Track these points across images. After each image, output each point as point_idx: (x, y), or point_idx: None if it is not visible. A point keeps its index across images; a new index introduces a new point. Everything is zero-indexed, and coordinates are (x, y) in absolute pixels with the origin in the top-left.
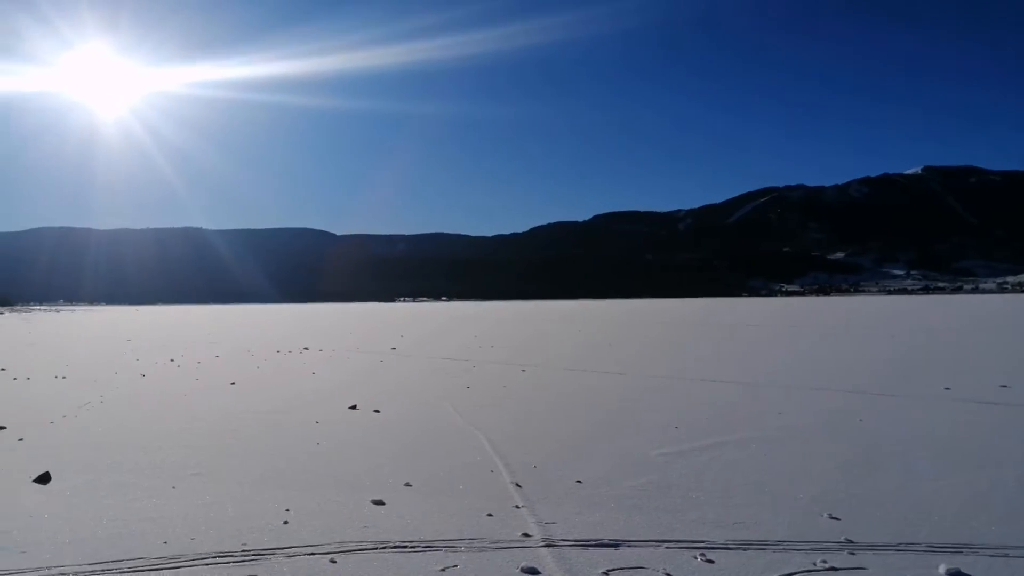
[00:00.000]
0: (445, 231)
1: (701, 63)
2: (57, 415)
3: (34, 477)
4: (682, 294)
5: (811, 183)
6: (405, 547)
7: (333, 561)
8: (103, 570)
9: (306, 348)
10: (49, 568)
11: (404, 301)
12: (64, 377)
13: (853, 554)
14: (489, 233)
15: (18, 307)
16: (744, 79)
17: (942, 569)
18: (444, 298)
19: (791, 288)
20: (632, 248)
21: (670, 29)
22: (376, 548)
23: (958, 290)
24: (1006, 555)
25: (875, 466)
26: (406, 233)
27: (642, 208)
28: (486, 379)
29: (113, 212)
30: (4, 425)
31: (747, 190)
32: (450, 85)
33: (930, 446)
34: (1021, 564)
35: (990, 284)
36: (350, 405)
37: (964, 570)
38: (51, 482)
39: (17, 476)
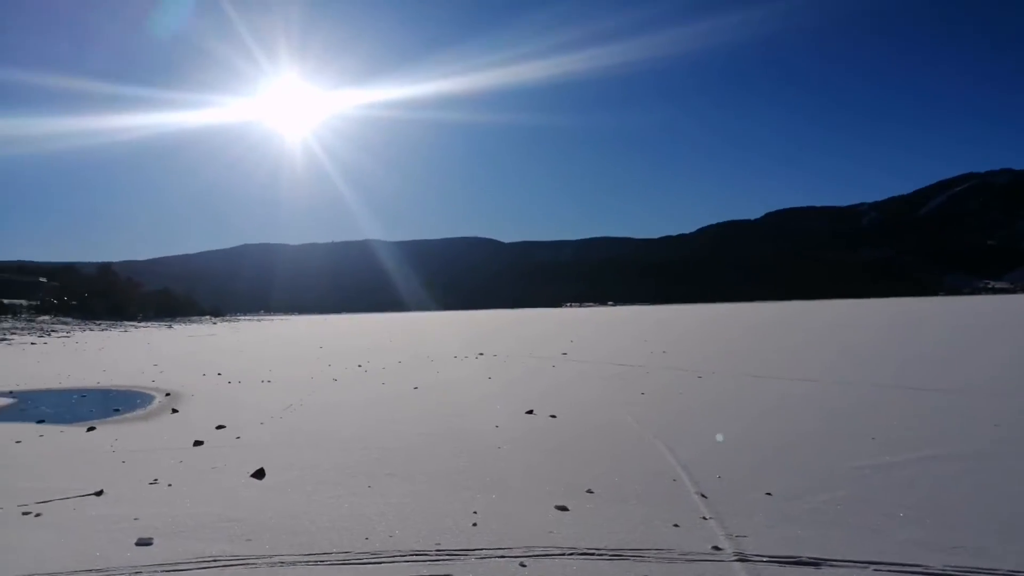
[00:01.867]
0: (611, 235)
1: (880, 32)
2: (266, 416)
3: (251, 472)
4: (867, 294)
5: (1019, 166)
6: (592, 554)
7: (523, 565)
8: (316, 561)
9: (481, 354)
10: (270, 556)
11: (571, 306)
12: (269, 382)
13: None
14: (656, 235)
15: (227, 317)
16: (934, 46)
17: None
18: (611, 302)
19: (999, 285)
20: (810, 246)
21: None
22: (564, 554)
23: None
24: None
25: None
26: (572, 238)
27: (819, 203)
28: (661, 385)
29: (301, 228)
30: (224, 424)
31: (941, 178)
32: (603, 95)
33: None
34: None
35: None
36: (527, 410)
37: None
38: (265, 477)
39: (237, 471)
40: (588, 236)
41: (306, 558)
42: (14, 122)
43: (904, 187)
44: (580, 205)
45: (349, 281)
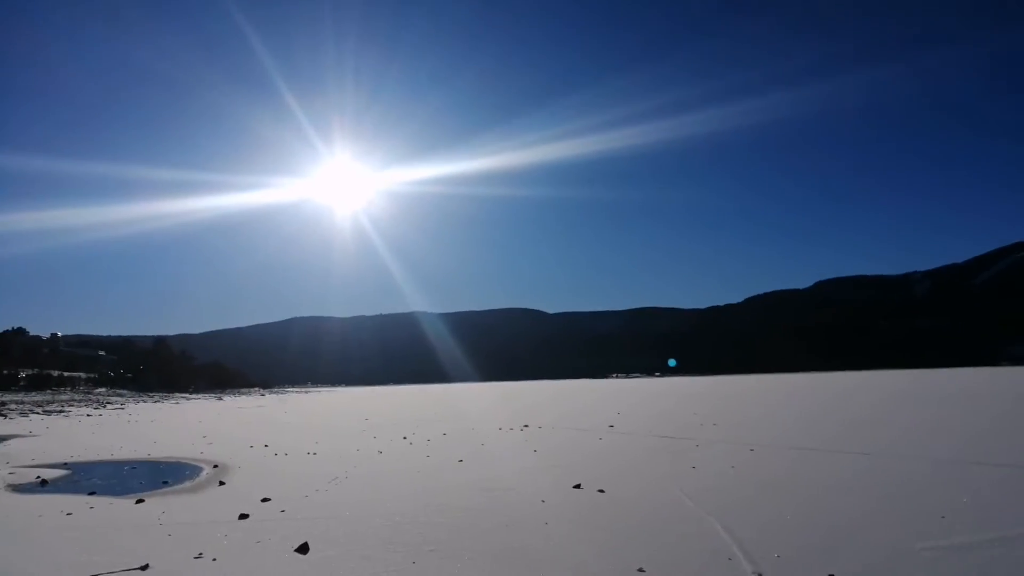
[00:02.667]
0: (656, 305)
1: (926, 100)
2: (311, 489)
3: (295, 547)
4: (921, 364)
5: None
6: None
7: None
8: None
9: (526, 425)
10: None
11: (617, 377)
12: (315, 454)
13: None
14: (703, 305)
15: (275, 389)
16: (979, 111)
17: None
18: (657, 373)
19: None
20: (861, 315)
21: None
22: None
23: None
24: None
25: None
26: (617, 308)
27: (870, 272)
28: (712, 459)
29: (349, 301)
30: (269, 497)
31: (997, 245)
32: (643, 169)
33: None
34: None
35: None
36: (574, 484)
37: None
38: (309, 552)
39: (281, 545)
40: (634, 306)
41: None
42: (86, 211)
43: (958, 255)
44: (626, 276)
45: (395, 352)
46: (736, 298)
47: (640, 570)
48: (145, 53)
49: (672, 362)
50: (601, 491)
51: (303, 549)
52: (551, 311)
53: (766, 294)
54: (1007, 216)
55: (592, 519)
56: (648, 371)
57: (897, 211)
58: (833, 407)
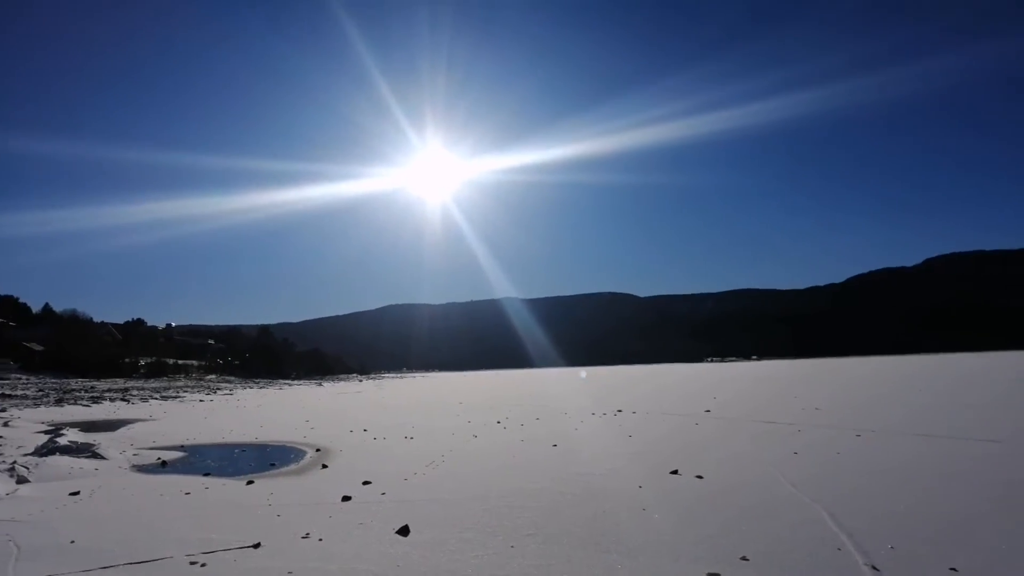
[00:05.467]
0: (753, 286)
1: None
2: (409, 472)
3: (396, 528)
4: None
5: None
6: None
7: None
8: None
9: (619, 410)
10: None
11: (713, 361)
12: (412, 438)
13: None
14: (802, 285)
15: (372, 375)
16: None
17: None
18: (755, 357)
19: None
20: (980, 292)
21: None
22: None
23: None
24: None
25: None
26: (713, 291)
27: (989, 247)
28: (815, 445)
29: (440, 288)
30: (370, 480)
31: None
32: (737, 153)
33: None
34: None
35: None
36: (671, 470)
37: None
38: (410, 534)
39: (383, 527)
40: (729, 288)
41: None
42: (193, 202)
43: None
44: (719, 258)
45: (483, 338)
46: (838, 277)
47: (743, 558)
48: (252, 48)
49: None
50: (699, 477)
51: (404, 531)
52: (643, 295)
53: (870, 272)
54: None
55: (691, 505)
56: (745, 354)
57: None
58: (949, 390)
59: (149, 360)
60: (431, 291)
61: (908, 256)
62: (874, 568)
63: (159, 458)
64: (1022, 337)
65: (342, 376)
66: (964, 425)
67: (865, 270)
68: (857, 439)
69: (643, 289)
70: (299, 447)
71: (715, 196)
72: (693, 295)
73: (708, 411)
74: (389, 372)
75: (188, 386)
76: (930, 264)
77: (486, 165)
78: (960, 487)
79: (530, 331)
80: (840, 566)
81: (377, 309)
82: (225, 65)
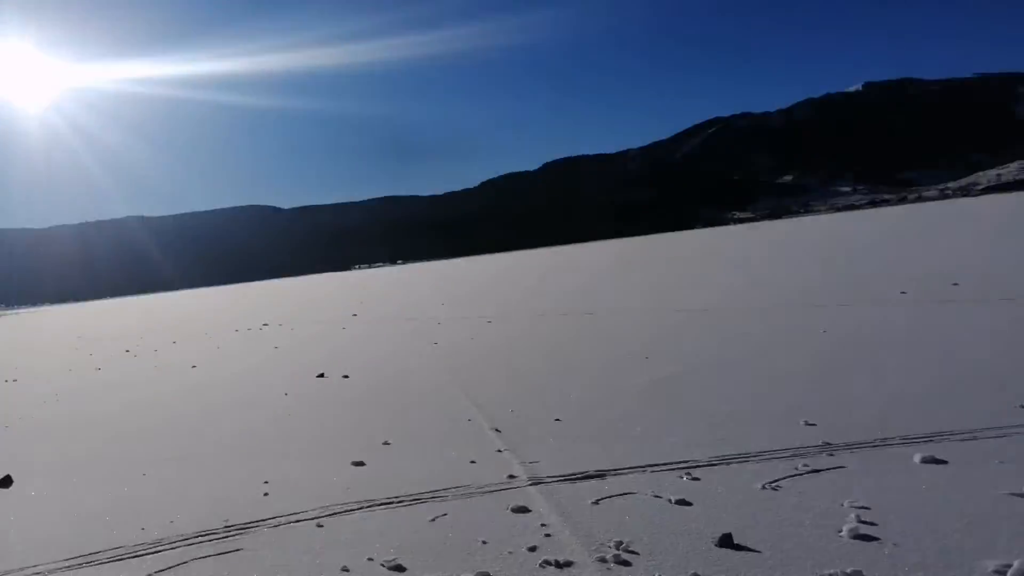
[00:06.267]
0: (397, 194)
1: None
2: (12, 418)
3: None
4: (639, 232)
5: (756, 110)
6: (391, 503)
7: (320, 526)
8: (82, 563)
9: (265, 324)
10: (22, 569)
11: (360, 268)
12: (15, 380)
13: (832, 455)
14: (440, 191)
15: None
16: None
17: (917, 458)
18: (400, 261)
19: (743, 216)
20: (587, 192)
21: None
22: (362, 507)
23: (902, 201)
24: (974, 437)
25: (844, 372)
26: (357, 200)
27: (591, 152)
28: (453, 334)
29: (40, 209)
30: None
31: (693, 123)
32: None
33: (894, 347)
34: (990, 443)
35: (932, 192)
36: (318, 374)
37: (938, 456)
38: (13, 485)
39: None
40: (374, 196)
41: (67, 564)
42: None
43: (665, 132)
44: (364, 167)
45: (104, 263)
46: (472, 183)
47: (385, 443)
48: None
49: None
50: (346, 376)
51: (4, 483)
52: (286, 206)
53: (499, 177)
54: (704, 94)
55: (336, 404)
56: (391, 260)
57: (613, 94)
58: (560, 278)
59: None
60: (29, 214)
61: (526, 162)
62: (497, 431)
63: None
64: (619, 227)
65: None
66: (571, 303)
67: (496, 175)
68: (488, 325)
69: (285, 200)
70: None
71: (364, 105)
72: (338, 204)
73: (355, 315)
74: None
75: None
76: (547, 167)
77: (105, 73)
78: (567, 351)
79: (168, 252)
80: (470, 435)
81: None
82: None
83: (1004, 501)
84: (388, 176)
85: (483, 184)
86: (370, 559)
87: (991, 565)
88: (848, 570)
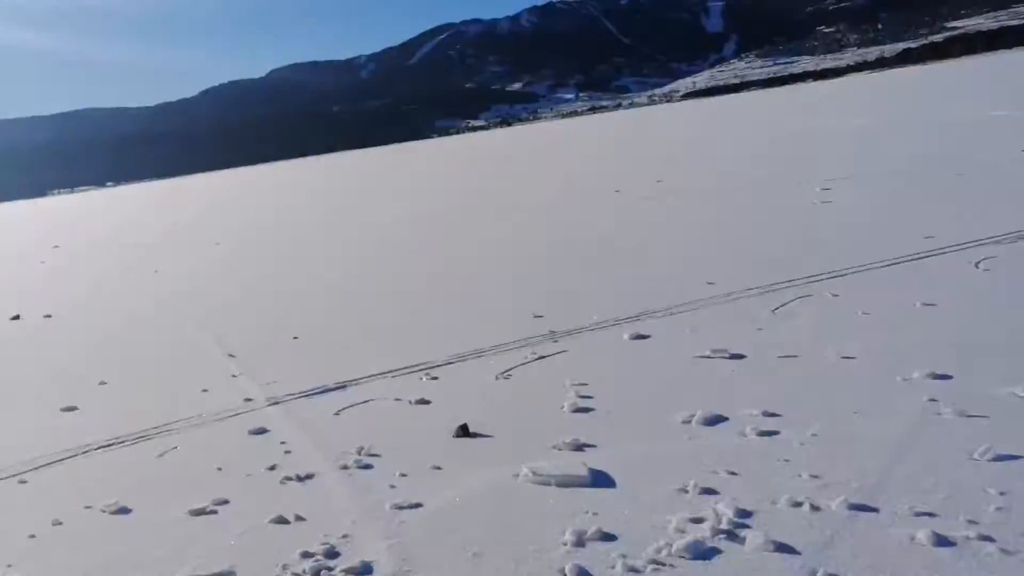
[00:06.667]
0: (97, 106)
1: None
2: None
3: None
4: (374, 143)
5: (485, 16)
6: (111, 445)
7: (23, 482)
8: None
9: None
10: None
11: (59, 193)
12: None
13: (556, 341)
14: (151, 103)
15: None
16: None
17: (626, 336)
18: (110, 183)
19: (476, 123)
20: (318, 101)
21: None
22: (74, 455)
23: (618, 107)
24: (671, 313)
25: (564, 266)
26: (45, 114)
27: (322, 58)
28: (176, 260)
29: None
30: None
31: (425, 28)
32: None
33: (600, 243)
34: (685, 317)
35: (642, 98)
36: (12, 316)
37: (642, 332)
38: None
39: None
40: (66, 110)
41: None
42: None
43: (397, 38)
44: (53, 75)
45: None
46: (190, 92)
47: (102, 383)
48: None
49: None
50: (48, 316)
51: None
52: None
53: (222, 85)
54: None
55: (37, 348)
56: (98, 182)
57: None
58: (292, 195)
59: None
60: None
61: (257, 68)
62: (231, 356)
63: None
64: (353, 139)
65: None
66: (295, 222)
67: (216, 83)
68: (216, 247)
69: None
70: None
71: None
72: (24, 119)
73: (57, 247)
74: None
75: None
76: (274, 74)
77: None
78: (284, 271)
79: None
80: (200, 363)
81: None
82: None
83: (692, 364)
84: (88, 87)
85: (205, 93)
86: (88, 507)
87: (680, 416)
88: (567, 439)
